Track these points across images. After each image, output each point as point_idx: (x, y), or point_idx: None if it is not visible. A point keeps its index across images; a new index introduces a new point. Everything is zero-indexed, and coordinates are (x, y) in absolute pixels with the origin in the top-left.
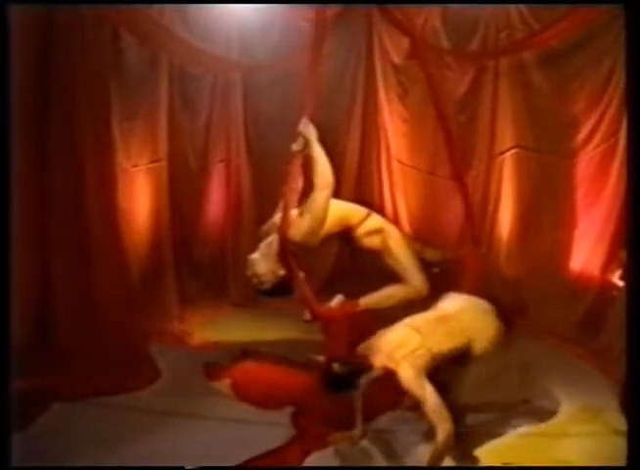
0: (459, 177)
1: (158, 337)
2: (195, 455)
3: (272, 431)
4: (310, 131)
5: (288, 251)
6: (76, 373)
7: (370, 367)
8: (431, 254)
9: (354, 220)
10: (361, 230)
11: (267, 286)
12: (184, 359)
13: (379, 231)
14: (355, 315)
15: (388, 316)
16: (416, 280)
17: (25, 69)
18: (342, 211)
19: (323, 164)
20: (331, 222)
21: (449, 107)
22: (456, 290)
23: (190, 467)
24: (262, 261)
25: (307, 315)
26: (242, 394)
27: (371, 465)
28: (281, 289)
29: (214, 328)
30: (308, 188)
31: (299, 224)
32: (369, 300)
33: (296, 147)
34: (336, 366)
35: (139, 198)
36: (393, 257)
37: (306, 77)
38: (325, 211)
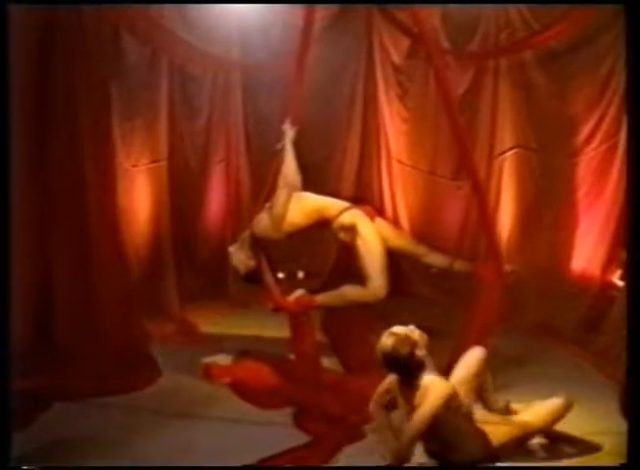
0: (476, 186)
1: (158, 337)
2: (195, 455)
3: (272, 431)
4: (287, 131)
5: (258, 244)
6: (76, 373)
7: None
8: (436, 259)
9: (330, 214)
10: (336, 224)
11: (242, 274)
12: (184, 359)
13: (350, 228)
14: (343, 313)
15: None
16: (373, 283)
17: (26, 69)
18: (318, 204)
19: (289, 164)
20: (305, 216)
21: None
22: (475, 305)
23: (190, 467)
24: (237, 253)
25: (271, 305)
26: (242, 394)
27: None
28: (252, 278)
29: (214, 328)
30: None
31: (261, 220)
32: (324, 297)
33: (278, 146)
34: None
35: (139, 198)
36: (358, 255)
37: (292, 78)
38: (284, 208)
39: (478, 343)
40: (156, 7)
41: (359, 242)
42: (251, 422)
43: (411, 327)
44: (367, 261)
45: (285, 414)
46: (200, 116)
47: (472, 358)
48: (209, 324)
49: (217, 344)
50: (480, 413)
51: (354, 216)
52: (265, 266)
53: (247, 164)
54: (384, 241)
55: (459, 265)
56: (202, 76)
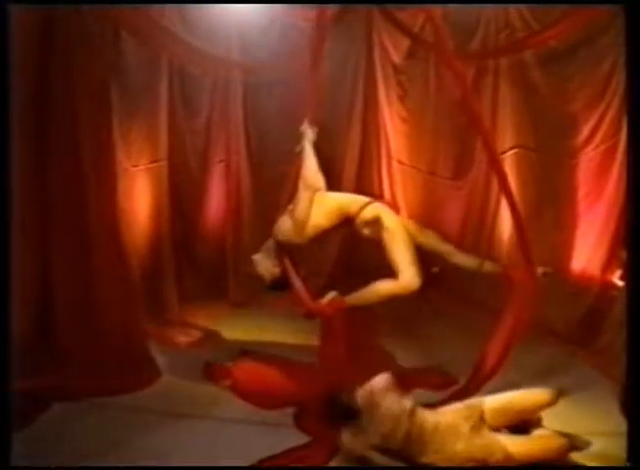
0: (503, 183)
1: (158, 337)
2: (195, 455)
3: (272, 431)
4: (306, 133)
5: (282, 250)
6: (76, 373)
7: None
8: (464, 259)
9: (353, 210)
10: (359, 220)
11: (268, 283)
12: (184, 359)
13: (374, 222)
14: (351, 317)
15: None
16: (405, 275)
17: (26, 69)
18: (340, 202)
19: (309, 166)
20: (330, 215)
21: (449, 106)
22: (505, 308)
23: (190, 467)
24: (262, 261)
25: (303, 311)
26: (242, 394)
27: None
28: (279, 285)
29: (214, 328)
30: None
31: (283, 224)
32: (356, 295)
33: (298, 148)
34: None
35: (139, 198)
36: (386, 249)
37: (307, 79)
38: (307, 211)
39: (505, 346)
40: (156, 7)
41: (385, 235)
42: (251, 422)
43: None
44: (396, 254)
45: (285, 414)
46: (200, 115)
47: (529, 400)
48: (209, 324)
49: (217, 344)
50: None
51: (377, 210)
52: (292, 272)
53: (247, 164)
54: (410, 235)
55: (489, 267)
56: (202, 76)
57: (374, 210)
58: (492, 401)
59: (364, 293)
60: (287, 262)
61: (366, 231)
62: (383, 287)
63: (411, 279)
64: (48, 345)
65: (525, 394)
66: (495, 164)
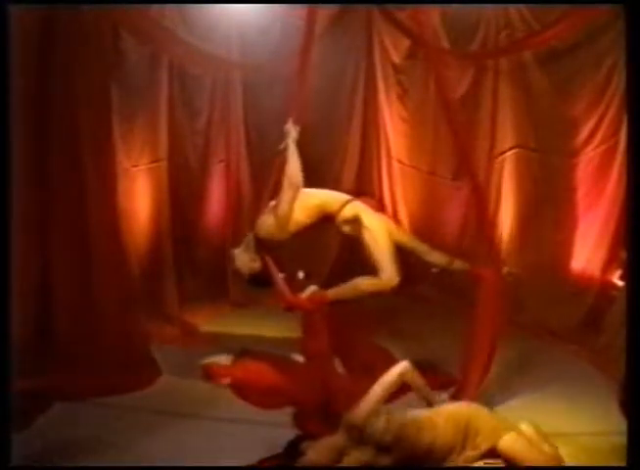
0: (476, 187)
1: (158, 337)
2: (195, 455)
3: (272, 431)
4: (290, 132)
5: (262, 246)
6: (76, 373)
7: None
8: (437, 258)
9: (333, 208)
10: (339, 218)
11: (246, 277)
12: (184, 359)
13: (354, 220)
14: (335, 313)
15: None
16: (385, 272)
17: (26, 69)
18: (320, 199)
19: (293, 165)
20: (309, 212)
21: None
22: (477, 307)
23: (190, 467)
24: (241, 255)
25: (283, 305)
26: (242, 394)
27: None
28: (258, 280)
29: (214, 328)
30: None
31: (264, 221)
32: (337, 291)
33: (281, 146)
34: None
35: (139, 197)
36: (365, 247)
37: (294, 78)
38: (289, 209)
39: (490, 344)
40: (156, 7)
41: (365, 233)
42: (252, 422)
43: None
44: (375, 251)
45: (285, 414)
46: (200, 115)
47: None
48: (209, 324)
49: (217, 344)
50: None
51: (357, 208)
52: (273, 267)
53: (247, 163)
54: (389, 233)
55: (458, 265)
56: (202, 76)
57: (353, 208)
58: (507, 445)
59: (344, 288)
60: (268, 258)
61: (346, 229)
62: (363, 283)
63: (391, 276)
64: (48, 345)
65: (539, 456)
66: (474, 179)
